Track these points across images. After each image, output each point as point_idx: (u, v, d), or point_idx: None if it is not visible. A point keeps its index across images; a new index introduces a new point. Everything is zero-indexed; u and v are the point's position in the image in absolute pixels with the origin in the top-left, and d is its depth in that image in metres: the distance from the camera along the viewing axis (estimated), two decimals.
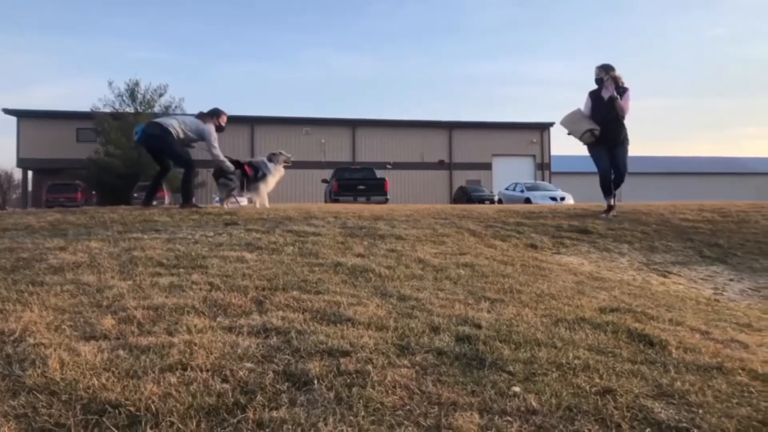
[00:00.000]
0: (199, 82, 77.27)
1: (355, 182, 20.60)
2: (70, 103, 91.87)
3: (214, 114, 7.69)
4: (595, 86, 7.39)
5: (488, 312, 2.76)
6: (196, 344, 2.10)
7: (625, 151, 7.38)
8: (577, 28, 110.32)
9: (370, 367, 1.96)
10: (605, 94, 7.19)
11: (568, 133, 7.40)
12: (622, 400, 1.78)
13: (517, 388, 1.84)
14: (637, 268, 5.08)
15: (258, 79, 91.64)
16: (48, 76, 79.63)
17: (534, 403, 1.73)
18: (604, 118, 7.16)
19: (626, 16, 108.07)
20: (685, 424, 1.65)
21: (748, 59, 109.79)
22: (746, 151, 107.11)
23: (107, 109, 35.07)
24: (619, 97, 7.13)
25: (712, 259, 5.68)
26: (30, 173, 37.60)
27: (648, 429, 1.62)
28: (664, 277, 4.90)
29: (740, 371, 2.12)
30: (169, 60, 76.54)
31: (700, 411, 1.74)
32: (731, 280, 5.05)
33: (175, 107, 36.07)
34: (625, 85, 7.24)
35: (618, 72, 7.22)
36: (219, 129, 7.64)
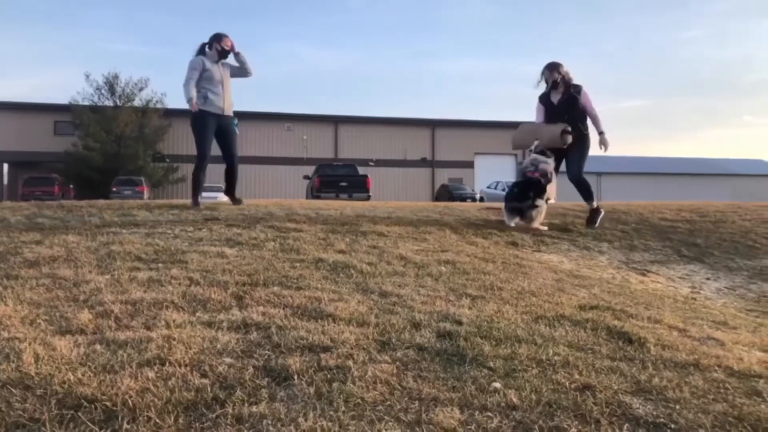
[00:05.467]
0: (178, 76, 76.39)
1: (337, 179, 20.60)
2: (44, 94, 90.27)
3: (212, 41, 6.56)
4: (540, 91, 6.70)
5: (469, 308, 2.77)
6: (174, 339, 2.08)
7: (579, 152, 6.49)
8: (556, 28, 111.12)
9: (350, 362, 1.95)
10: (554, 98, 6.54)
11: (535, 149, 6.40)
12: (601, 396, 1.79)
13: (497, 384, 1.84)
14: (617, 267, 5.13)
15: None
16: (21, 66, 78.17)
17: (514, 399, 1.73)
18: (558, 119, 6.46)
19: (603, 16, 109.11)
20: (662, 420, 1.67)
21: (723, 61, 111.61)
22: (720, 153, 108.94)
23: (86, 102, 34.62)
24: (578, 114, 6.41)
25: (690, 258, 5.76)
26: (6, 166, 36.95)
27: (626, 425, 1.63)
28: (643, 275, 4.96)
29: (716, 368, 2.15)
30: (145, 52, 75.28)
31: (678, 407, 1.76)
32: (708, 278, 5.12)
33: (156, 102, 35.71)
34: (575, 81, 6.52)
35: (565, 68, 6.51)
36: (222, 55, 6.57)
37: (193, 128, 6.49)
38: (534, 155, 6.38)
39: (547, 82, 6.56)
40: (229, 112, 6.62)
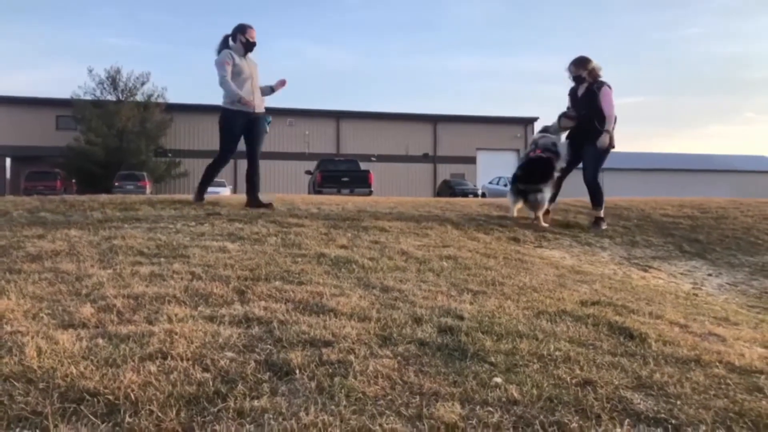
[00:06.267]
0: (178, 71, 76.14)
1: (339, 174, 20.57)
2: (46, 89, 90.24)
3: (236, 33, 6.09)
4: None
5: (471, 304, 2.77)
6: (176, 333, 2.08)
7: (594, 153, 6.38)
8: (558, 25, 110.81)
9: (352, 357, 1.95)
10: (580, 92, 6.52)
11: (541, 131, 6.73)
12: (602, 392, 1.79)
13: (498, 379, 1.84)
14: (618, 263, 5.13)
15: None
16: (23, 61, 78.14)
17: (515, 394, 1.73)
18: (579, 114, 6.50)
19: (605, 13, 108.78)
20: (663, 415, 1.67)
21: (724, 57, 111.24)
22: (722, 149, 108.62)
23: (88, 97, 34.63)
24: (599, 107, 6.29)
25: (692, 254, 5.76)
26: (8, 161, 36.98)
27: (627, 420, 1.64)
28: (645, 271, 4.95)
29: (717, 364, 2.15)
30: (146, 48, 75.17)
31: (678, 402, 1.76)
32: (710, 275, 5.12)
33: (158, 96, 35.70)
34: (602, 78, 6.44)
35: (595, 63, 6.44)
36: (248, 47, 6.12)
37: (221, 127, 6.13)
38: (533, 136, 6.59)
39: (572, 76, 6.54)
40: (260, 110, 6.19)
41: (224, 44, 6.09)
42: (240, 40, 6.07)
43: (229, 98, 5.99)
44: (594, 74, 6.40)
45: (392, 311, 2.53)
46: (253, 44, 6.15)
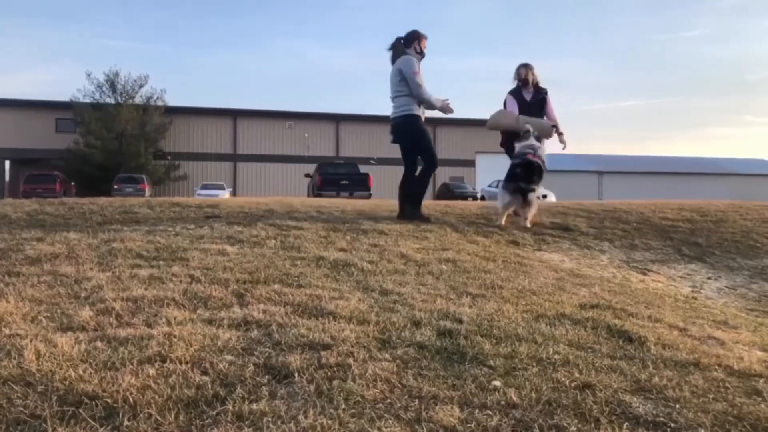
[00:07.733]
0: (177, 72, 76.21)
1: (339, 177, 20.63)
2: (45, 91, 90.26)
3: (412, 39, 6.02)
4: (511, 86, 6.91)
5: (470, 307, 2.77)
6: (175, 336, 2.08)
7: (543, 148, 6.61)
8: (558, 27, 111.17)
9: (351, 360, 1.95)
10: (527, 96, 6.74)
11: (532, 134, 6.40)
12: (601, 395, 1.79)
13: (497, 382, 1.84)
14: (618, 266, 5.13)
15: (236, 71, 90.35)
16: (22, 63, 78.29)
17: (514, 397, 1.73)
18: (531, 115, 6.64)
19: (605, 15, 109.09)
20: (662, 419, 1.67)
21: (724, 60, 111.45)
22: (721, 152, 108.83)
23: (87, 100, 34.66)
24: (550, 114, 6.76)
25: (691, 257, 5.76)
26: (7, 163, 36.98)
27: (626, 423, 1.63)
28: (644, 274, 4.95)
29: (716, 367, 2.15)
30: (145, 49, 75.20)
31: (677, 406, 1.76)
32: (709, 278, 5.12)
33: (157, 99, 35.75)
34: (542, 85, 6.85)
35: (537, 71, 6.83)
36: (422, 57, 6.10)
37: (416, 134, 6.26)
38: (532, 141, 6.35)
39: (519, 78, 6.79)
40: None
41: (397, 48, 6.02)
42: (415, 48, 6.02)
43: (426, 105, 6.07)
44: (537, 80, 6.81)
45: (391, 314, 2.53)
46: (424, 55, 6.12)
